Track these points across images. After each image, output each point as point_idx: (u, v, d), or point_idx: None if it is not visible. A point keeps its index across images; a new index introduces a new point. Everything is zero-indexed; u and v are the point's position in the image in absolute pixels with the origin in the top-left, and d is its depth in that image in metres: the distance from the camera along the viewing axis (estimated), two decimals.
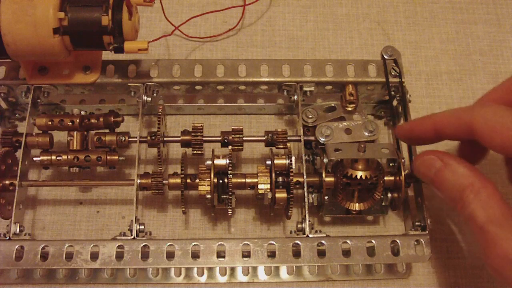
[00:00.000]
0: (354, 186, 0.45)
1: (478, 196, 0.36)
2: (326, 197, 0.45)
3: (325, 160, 0.45)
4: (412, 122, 0.43)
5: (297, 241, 0.42)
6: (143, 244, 0.42)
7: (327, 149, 0.45)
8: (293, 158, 0.44)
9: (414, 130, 0.42)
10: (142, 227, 0.44)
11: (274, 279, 0.47)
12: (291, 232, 0.44)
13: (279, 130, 0.47)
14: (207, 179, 0.44)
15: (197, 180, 0.45)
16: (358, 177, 0.44)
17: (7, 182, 0.45)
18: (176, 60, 0.50)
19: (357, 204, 0.45)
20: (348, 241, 0.43)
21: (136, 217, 0.43)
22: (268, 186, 0.44)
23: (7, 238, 0.42)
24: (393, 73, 0.49)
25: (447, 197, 0.39)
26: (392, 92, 0.49)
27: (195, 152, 0.47)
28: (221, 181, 0.45)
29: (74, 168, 0.46)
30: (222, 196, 0.45)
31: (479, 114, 0.37)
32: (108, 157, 0.46)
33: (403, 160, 0.45)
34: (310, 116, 0.48)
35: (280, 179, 0.45)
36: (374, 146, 0.45)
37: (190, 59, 0.53)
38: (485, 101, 0.40)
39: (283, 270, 0.47)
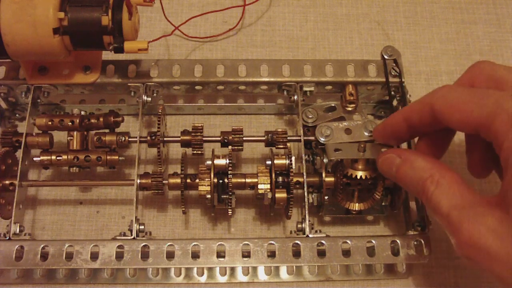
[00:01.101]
0: (354, 186, 0.45)
1: (439, 186, 0.36)
2: (326, 197, 0.45)
3: (325, 160, 0.45)
4: (384, 120, 0.43)
5: (297, 241, 0.42)
6: (143, 244, 0.42)
7: (327, 149, 0.45)
8: (293, 158, 0.44)
9: (387, 126, 0.42)
10: (142, 227, 0.44)
11: (274, 279, 0.47)
12: (291, 232, 0.44)
13: (279, 130, 0.47)
14: (207, 179, 0.44)
15: (197, 180, 0.45)
16: (358, 177, 0.44)
17: (7, 182, 0.45)
18: (176, 60, 0.50)
19: (357, 204, 0.45)
20: (348, 241, 0.43)
21: (136, 217, 0.43)
22: (268, 186, 0.44)
23: (7, 238, 0.42)
24: (393, 73, 0.49)
25: (412, 192, 0.39)
26: (392, 92, 0.49)
27: (195, 152, 0.47)
28: (221, 181, 0.45)
29: (74, 168, 0.46)
30: (222, 196, 0.45)
31: (437, 94, 0.37)
32: (108, 157, 0.46)
33: None
34: (310, 116, 0.48)
35: (280, 179, 0.45)
36: (374, 146, 0.45)
37: (190, 59, 0.53)
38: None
39: (283, 270, 0.47)
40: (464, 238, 0.33)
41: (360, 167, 0.44)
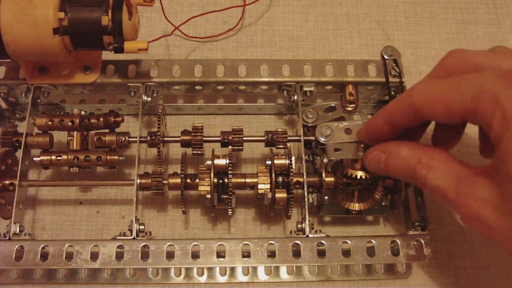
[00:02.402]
0: (354, 186, 0.45)
1: (430, 168, 0.36)
2: (326, 197, 0.45)
3: (325, 160, 0.45)
4: (366, 122, 0.43)
5: (297, 241, 0.42)
6: (143, 244, 0.42)
7: (327, 149, 0.45)
8: (293, 158, 0.44)
9: (370, 130, 0.42)
10: (142, 227, 0.44)
11: (274, 279, 0.47)
12: (291, 232, 0.44)
13: (279, 130, 0.47)
14: (207, 179, 0.44)
15: (197, 180, 0.45)
16: (358, 177, 0.44)
17: (7, 182, 0.45)
18: (176, 60, 0.50)
19: (357, 204, 0.45)
20: (348, 241, 0.43)
21: (136, 217, 0.43)
22: (268, 186, 0.44)
23: (7, 238, 0.42)
24: (393, 73, 0.49)
25: (408, 181, 0.39)
26: (392, 92, 0.49)
27: (195, 152, 0.47)
28: (221, 181, 0.45)
29: (74, 168, 0.46)
30: (222, 196, 0.45)
31: (415, 91, 0.37)
32: (108, 157, 0.46)
33: None
34: (310, 116, 0.48)
35: (280, 179, 0.45)
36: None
37: (190, 59, 0.53)
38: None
39: (283, 270, 0.47)
40: (465, 213, 0.34)
41: (360, 167, 0.44)
